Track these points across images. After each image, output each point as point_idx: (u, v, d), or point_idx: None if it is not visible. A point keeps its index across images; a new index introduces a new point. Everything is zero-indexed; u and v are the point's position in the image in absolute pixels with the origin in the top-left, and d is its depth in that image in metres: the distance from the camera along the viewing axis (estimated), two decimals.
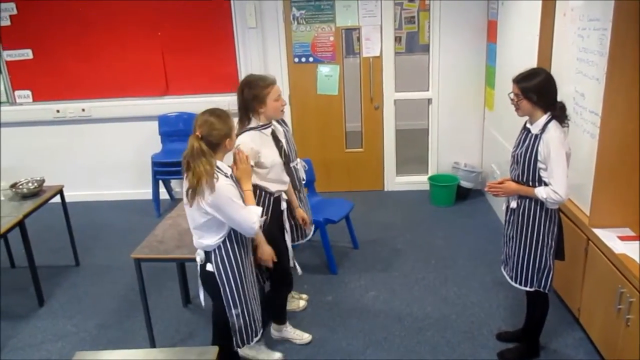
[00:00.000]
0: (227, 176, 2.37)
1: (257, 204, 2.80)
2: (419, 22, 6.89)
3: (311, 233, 3.47)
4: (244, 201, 2.43)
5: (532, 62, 3.71)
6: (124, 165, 5.78)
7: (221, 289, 2.47)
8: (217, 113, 2.36)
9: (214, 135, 2.32)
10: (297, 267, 3.25)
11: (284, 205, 3.00)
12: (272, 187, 2.87)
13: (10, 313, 3.86)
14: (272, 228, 2.92)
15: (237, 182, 2.49)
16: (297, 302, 3.82)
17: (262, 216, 2.46)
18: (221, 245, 2.42)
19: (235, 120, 2.67)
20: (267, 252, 2.82)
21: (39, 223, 4.49)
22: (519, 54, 4.20)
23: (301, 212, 3.16)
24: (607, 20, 2.80)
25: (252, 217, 2.36)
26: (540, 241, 2.79)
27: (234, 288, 2.47)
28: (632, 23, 2.71)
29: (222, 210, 2.32)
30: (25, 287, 4.02)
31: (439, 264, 4.23)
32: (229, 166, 2.49)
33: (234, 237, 2.43)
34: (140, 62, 5.44)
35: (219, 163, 2.38)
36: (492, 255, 4.20)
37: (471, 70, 5.34)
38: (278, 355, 3.21)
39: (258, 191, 2.83)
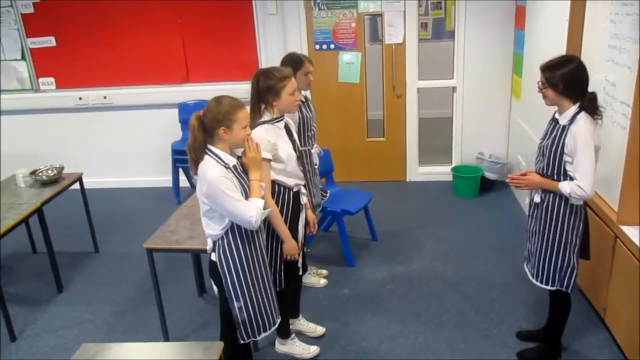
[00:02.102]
0: (226, 167, 2.31)
1: (277, 200, 2.76)
2: (446, 7, 6.71)
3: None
4: (248, 192, 2.37)
5: (561, 49, 3.54)
6: (145, 152, 5.80)
7: (223, 280, 2.43)
8: (219, 98, 2.31)
9: (207, 118, 2.29)
10: (307, 267, 3.20)
11: (304, 200, 2.94)
12: (290, 182, 2.81)
13: (31, 299, 3.92)
14: (291, 222, 2.86)
15: (245, 172, 2.43)
16: (318, 278, 3.79)
17: (264, 209, 2.39)
18: (224, 236, 2.38)
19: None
20: (292, 247, 2.79)
21: (60, 210, 4.55)
22: (547, 41, 4.02)
23: (311, 214, 3.09)
24: None
25: (248, 210, 2.28)
26: (564, 238, 2.66)
27: (236, 280, 2.42)
28: None
29: (215, 202, 2.28)
30: (46, 272, 4.06)
31: (460, 258, 4.12)
32: (238, 156, 2.43)
33: (237, 229, 2.37)
34: (161, 49, 5.43)
35: (220, 153, 2.32)
36: (515, 250, 4.08)
37: (498, 58, 5.16)
38: (314, 348, 3.17)
39: (277, 187, 2.77)
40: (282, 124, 2.77)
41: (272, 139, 2.66)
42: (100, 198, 5.44)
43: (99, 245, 4.57)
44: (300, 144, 3.10)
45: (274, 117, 2.73)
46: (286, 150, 2.72)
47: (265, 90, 2.67)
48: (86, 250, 4.56)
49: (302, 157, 3.09)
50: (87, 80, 5.60)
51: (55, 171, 4.19)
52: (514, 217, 4.72)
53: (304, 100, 3.36)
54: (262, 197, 2.41)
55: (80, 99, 5.63)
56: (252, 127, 2.65)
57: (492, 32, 5.08)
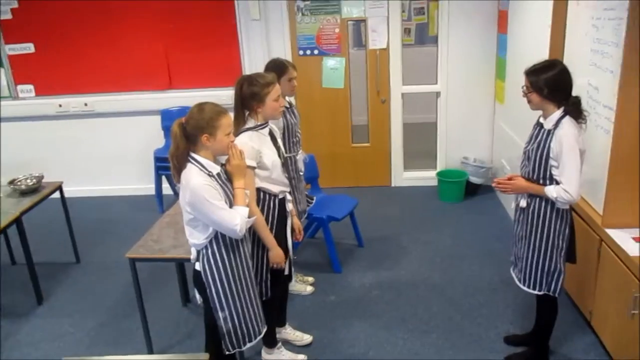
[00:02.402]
0: (210, 175, 2.27)
1: (262, 207, 2.72)
2: (429, 13, 6.72)
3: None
4: (232, 200, 2.33)
5: (544, 54, 3.56)
6: (127, 160, 5.72)
7: (207, 290, 2.39)
8: (202, 105, 2.27)
9: (190, 125, 2.25)
10: (292, 275, 3.16)
11: (289, 207, 2.91)
12: (275, 189, 2.77)
13: (10, 311, 3.81)
14: (277, 230, 2.82)
15: (229, 180, 2.38)
16: (304, 286, 3.75)
17: (249, 217, 2.36)
18: (208, 245, 2.33)
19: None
20: (278, 255, 2.74)
21: (40, 220, 4.45)
22: (530, 45, 4.04)
23: (297, 221, 3.05)
24: (622, 9, 2.66)
25: (233, 219, 2.24)
26: (550, 243, 2.66)
27: (220, 290, 2.38)
28: None
29: (198, 211, 2.23)
30: (26, 284, 3.96)
31: (446, 263, 4.11)
32: (221, 164, 2.39)
33: (222, 238, 2.33)
34: (142, 56, 5.36)
35: (203, 161, 2.28)
36: (501, 254, 4.08)
37: (481, 62, 5.18)
38: (301, 357, 3.13)
39: (262, 194, 2.74)
40: (266, 131, 2.73)
41: (256, 145, 2.63)
42: (82, 207, 5.34)
43: (80, 256, 4.48)
44: (285, 151, 3.06)
45: (258, 123, 2.69)
46: (271, 157, 2.69)
47: (249, 96, 2.63)
48: (67, 260, 4.46)
49: (287, 164, 3.06)
50: (67, 87, 5.51)
51: (34, 180, 4.10)
52: (499, 221, 4.73)
53: (288, 106, 3.33)
54: (247, 205, 2.37)
55: (60, 106, 5.54)
56: (236, 134, 2.61)
57: (475, 36, 5.11)
